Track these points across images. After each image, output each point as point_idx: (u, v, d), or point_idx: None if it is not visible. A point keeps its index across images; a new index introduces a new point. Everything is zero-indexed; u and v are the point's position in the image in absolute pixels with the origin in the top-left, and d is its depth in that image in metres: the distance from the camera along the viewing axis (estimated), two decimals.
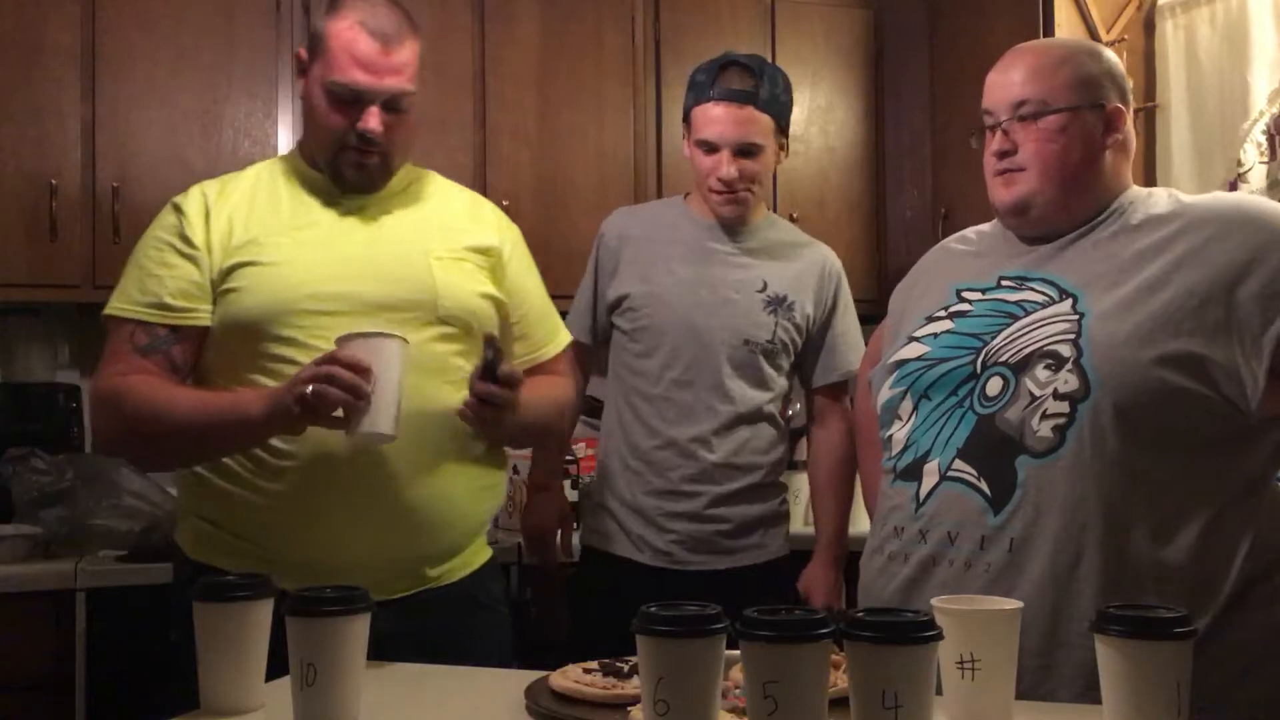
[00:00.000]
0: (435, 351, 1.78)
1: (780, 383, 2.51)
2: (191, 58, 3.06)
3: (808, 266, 2.52)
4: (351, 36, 1.76)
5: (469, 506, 1.85)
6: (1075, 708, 1.37)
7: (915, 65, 3.57)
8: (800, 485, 3.06)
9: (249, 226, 1.80)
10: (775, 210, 3.51)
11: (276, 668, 1.28)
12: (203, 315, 1.78)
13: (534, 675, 1.41)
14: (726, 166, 2.37)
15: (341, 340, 1.62)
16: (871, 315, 3.32)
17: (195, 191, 1.86)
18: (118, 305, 1.81)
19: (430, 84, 3.14)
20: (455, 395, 1.74)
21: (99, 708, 2.55)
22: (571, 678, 1.36)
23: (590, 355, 2.59)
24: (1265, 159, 2.91)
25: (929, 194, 3.51)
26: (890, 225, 3.66)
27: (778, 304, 2.47)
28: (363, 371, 1.57)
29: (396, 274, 1.79)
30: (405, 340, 1.63)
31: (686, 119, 2.45)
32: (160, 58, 3.02)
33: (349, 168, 1.81)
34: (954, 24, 3.43)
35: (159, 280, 1.78)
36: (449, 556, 1.85)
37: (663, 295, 2.44)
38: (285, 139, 3.10)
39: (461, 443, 1.80)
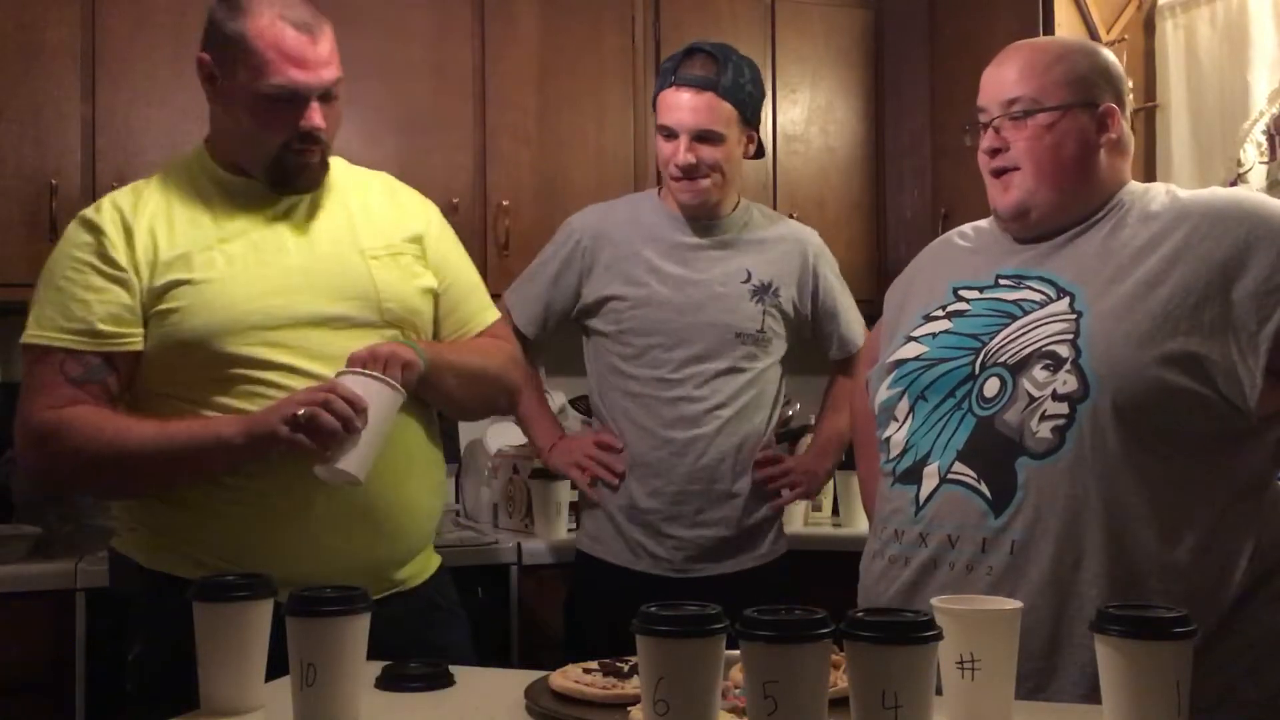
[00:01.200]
0: None
1: (773, 373, 2.48)
2: (191, 58, 3.03)
3: (788, 251, 2.51)
4: (276, 33, 1.69)
5: (425, 509, 1.85)
6: (1076, 708, 1.37)
7: (915, 65, 3.56)
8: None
9: (174, 241, 1.72)
10: (775, 210, 3.51)
11: (276, 668, 1.29)
12: (135, 340, 1.71)
13: (534, 675, 1.41)
14: (684, 153, 2.35)
15: (343, 373, 1.62)
16: (871, 315, 3.31)
17: (107, 205, 1.76)
18: (41, 333, 1.71)
19: (430, 84, 3.17)
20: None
21: (99, 708, 2.54)
22: (571, 678, 1.36)
23: (530, 349, 2.51)
24: (1265, 159, 2.90)
25: (929, 194, 3.51)
26: (890, 225, 3.66)
27: (763, 292, 2.45)
28: (360, 409, 1.58)
29: (338, 282, 1.76)
30: (404, 395, 1.64)
31: (655, 107, 2.44)
32: (160, 58, 3.01)
33: (292, 170, 1.75)
34: (954, 24, 3.43)
35: (85, 305, 1.70)
36: (409, 559, 1.84)
37: (651, 296, 2.41)
38: None
39: (412, 447, 1.79)
